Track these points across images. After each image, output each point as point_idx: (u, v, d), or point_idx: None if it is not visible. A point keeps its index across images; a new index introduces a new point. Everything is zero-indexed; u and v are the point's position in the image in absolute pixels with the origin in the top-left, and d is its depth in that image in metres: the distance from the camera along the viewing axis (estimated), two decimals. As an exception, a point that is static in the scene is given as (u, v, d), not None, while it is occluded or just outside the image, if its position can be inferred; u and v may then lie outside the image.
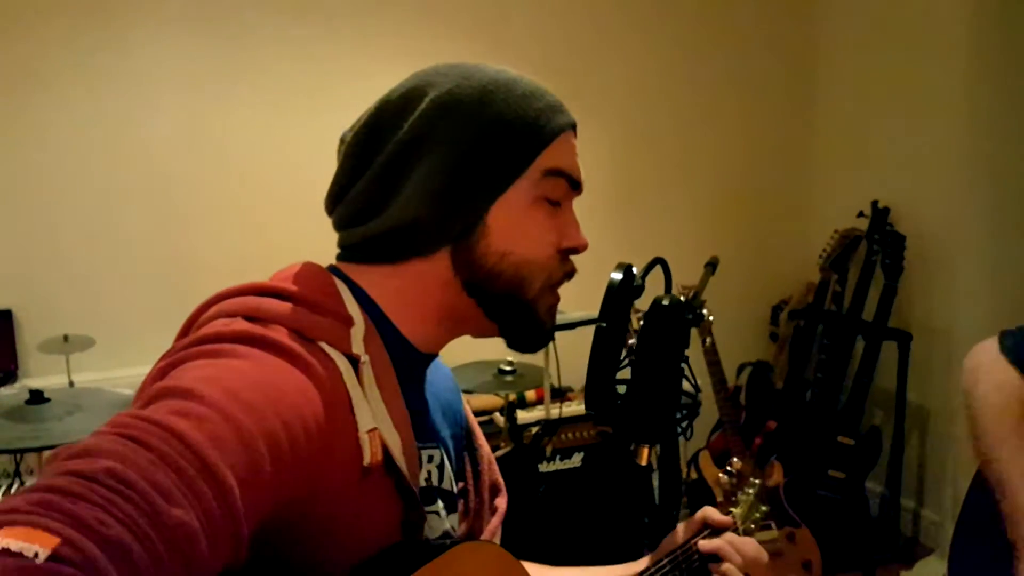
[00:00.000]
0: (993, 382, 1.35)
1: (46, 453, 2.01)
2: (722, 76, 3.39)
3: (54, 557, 0.52)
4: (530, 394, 2.87)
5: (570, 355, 2.55)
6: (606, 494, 2.87)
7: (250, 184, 2.76)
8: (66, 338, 2.35)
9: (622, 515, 2.89)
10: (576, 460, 2.84)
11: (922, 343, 3.02)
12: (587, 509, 2.80)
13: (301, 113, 2.79)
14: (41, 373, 2.47)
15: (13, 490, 1.95)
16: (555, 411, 2.57)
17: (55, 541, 0.53)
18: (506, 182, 0.85)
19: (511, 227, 0.85)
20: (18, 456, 1.88)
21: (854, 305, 3.11)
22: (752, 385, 3.26)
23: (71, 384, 2.30)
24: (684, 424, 0.91)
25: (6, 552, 0.51)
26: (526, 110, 0.86)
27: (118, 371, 2.50)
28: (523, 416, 2.64)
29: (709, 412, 3.06)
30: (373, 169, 0.86)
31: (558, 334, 2.49)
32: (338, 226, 0.93)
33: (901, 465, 3.06)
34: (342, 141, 0.93)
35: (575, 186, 0.89)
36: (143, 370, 2.45)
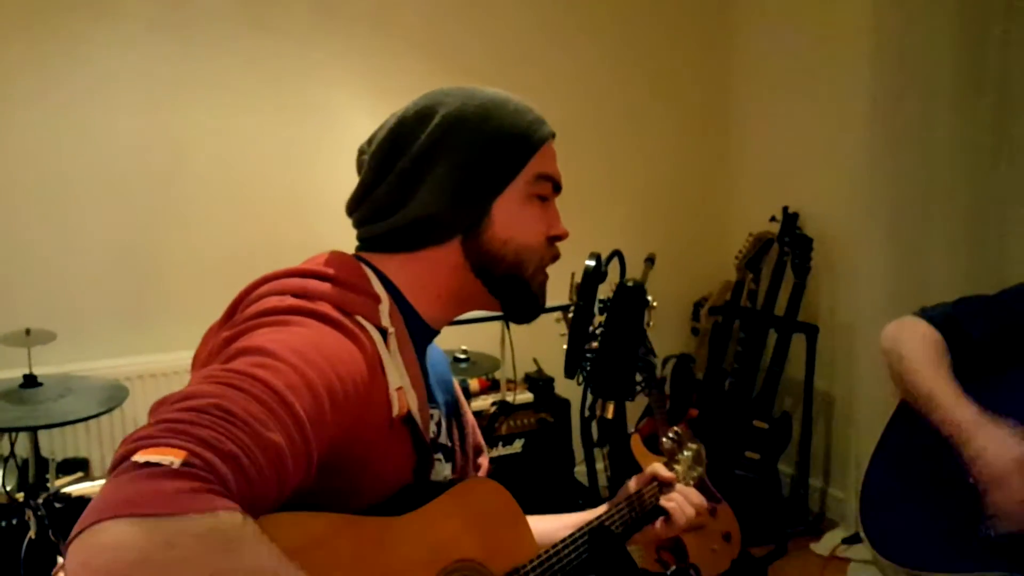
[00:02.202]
0: (915, 333, 1.65)
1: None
2: (648, 93, 3.64)
3: (185, 464, 0.68)
4: (473, 384, 3.04)
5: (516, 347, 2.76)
6: (543, 478, 3.08)
7: (209, 184, 2.85)
8: (28, 332, 2.41)
9: (557, 497, 3.10)
10: (517, 446, 3.05)
11: (828, 335, 3.30)
12: (527, 492, 2.99)
13: (258, 117, 2.90)
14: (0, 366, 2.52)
15: (7, 467, 2.02)
16: (507, 397, 2.76)
17: (184, 454, 0.69)
18: (505, 182, 1.04)
19: (511, 219, 1.04)
20: (13, 436, 1.96)
21: (767, 302, 3.37)
22: (676, 375, 3.51)
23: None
24: (642, 383, 1.11)
25: (148, 464, 0.68)
26: (519, 123, 1.05)
27: (78, 364, 2.55)
28: (473, 405, 2.81)
29: (639, 399, 3.30)
30: (395, 173, 1.03)
31: (511, 324, 2.68)
32: (361, 222, 1.09)
33: (809, 447, 3.34)
34: (361, 152, 1.10)
35: (557, 187, 1.09)
36: (103, 363, 2.59)
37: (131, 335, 2.76)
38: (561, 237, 1.09)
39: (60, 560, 1.92)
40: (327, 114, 3.01)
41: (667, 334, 3.70)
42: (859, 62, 3.01)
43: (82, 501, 1.93)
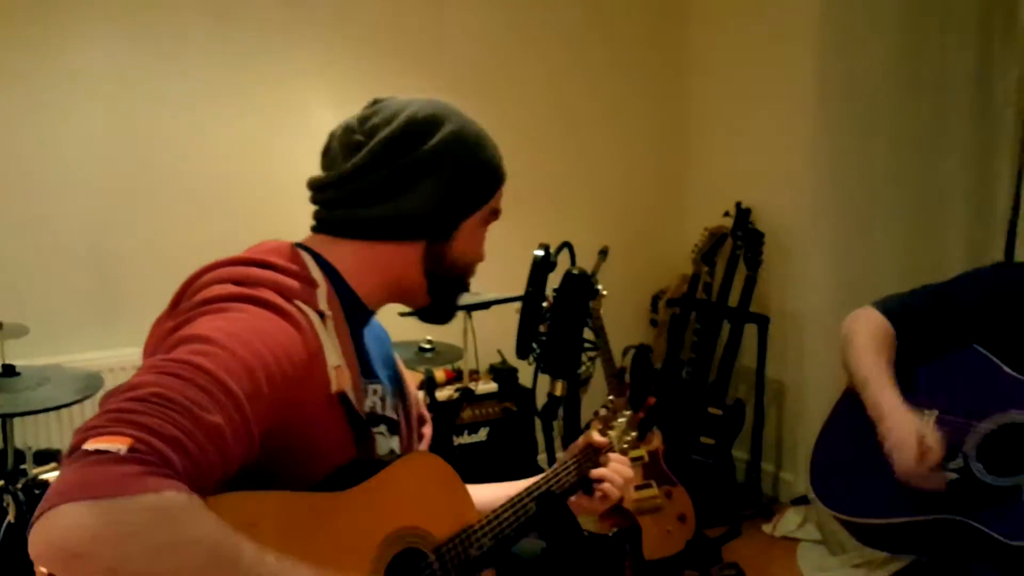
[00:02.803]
0: (868, 323, 1.84)
1: None
2: (611, 92, 3.76)
3: (132, 450, 0.77)
4: (439, 375, 3.12)
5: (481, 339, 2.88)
6: (507, 464, 3.18)
7: (178, 179, 2.91)
8: (0, 325, 2.46)
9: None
10: (483, 434, 3.15)
11: (778, 326, 3.43)
12: (492, 478, 3.10)
13: (226, 114, 2.96)
14: (-27, 359, 2.56)
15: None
16: (471, 386, 2.87)
17: (129, 440, 0.78)
18: (479, 205, 1.19)
19: (470, 237, 1.19)
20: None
21: (721, 293, 3.49)
22: (635, 365, 3.62)
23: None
24: (589, 362, 1.23)
25: (98, 452, 0.77)
26: (496, 157, 1.21)
27: (50, 358, 2.59)
28: (438, 395, 2.89)
29: (600, 388, 3.42)
30: (398, 166, 1.13)
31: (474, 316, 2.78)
32: (332, 203, 1.17)
33: (762, 433, 3.47)
34: (351, 131, 1.16)
35: (496, 218, 1.24)
36: (75, 357, 2.65)
37: (103, 329, 2.82)
38: (481, 260, 1.26)
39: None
40: (293, 111, 3.07)
41: (627, 326, 3.82)
42: (807, 66, 3.14)
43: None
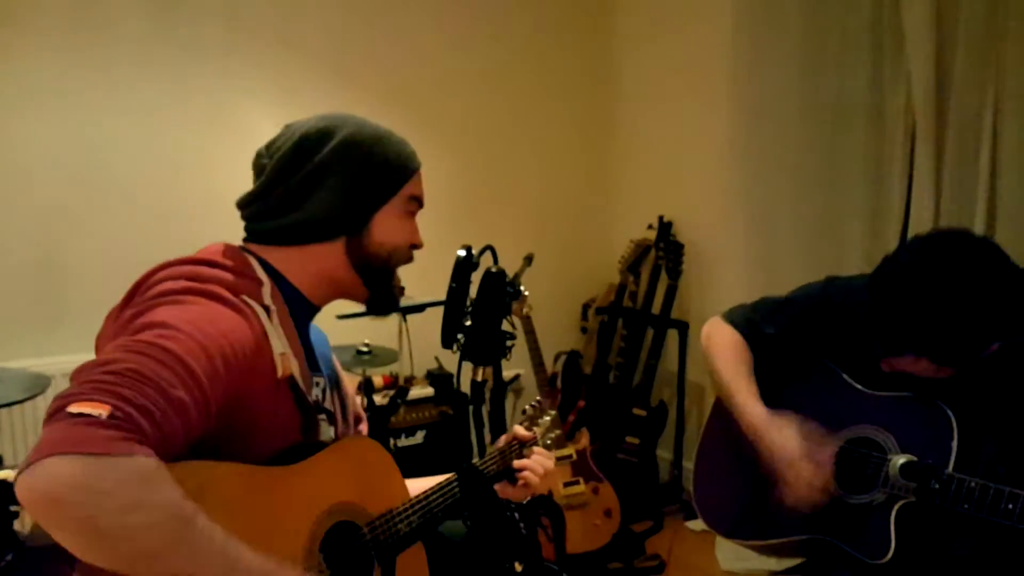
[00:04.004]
0: (722, 338, 1.97)
1: None
2: (540, 109, 3.95)
3: (110, 416, 0.89)
4: (377, 380, 3.24)
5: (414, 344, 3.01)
6: (443, 465, 3.31)
7: (117, 190, 2.98)
8: (-57, 332, 2.51)
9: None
10: (419, 437, 3.28)
11: (698, 331, 3.57)
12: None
13: (170, 125, 3.05)
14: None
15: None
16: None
17: (109, 408, 0.89)
18: (385, 199, 1.31)
19: (386, 227, 1.31)
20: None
21: (645, 301, 3.67)
22: (566, 370, 3.78)
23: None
24: (508, 349, 1.38)
25: (81, 415, 0.88)
26: (399, 154, 1.33)
27: (-7, 365, 2.67)
28: (376, 399, 3.01)
29: (532, 392, 3.59)
30: (296, 179, 1.27)
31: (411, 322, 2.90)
32: (254, 217, 1.30)
33: (683, 432, 3.66)
34: (259, 156, 1.32)
35: (421, 205, 1.37)
36: (18, 364, 2.72)
37: (44, 336, 2.87)
38: (419, 246, 1.38)
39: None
40: (235, 124, 3.17)
41: (560, 333, 3.99)
42: (720, 91, 3.36)
43: (4, 484, 2.08)
